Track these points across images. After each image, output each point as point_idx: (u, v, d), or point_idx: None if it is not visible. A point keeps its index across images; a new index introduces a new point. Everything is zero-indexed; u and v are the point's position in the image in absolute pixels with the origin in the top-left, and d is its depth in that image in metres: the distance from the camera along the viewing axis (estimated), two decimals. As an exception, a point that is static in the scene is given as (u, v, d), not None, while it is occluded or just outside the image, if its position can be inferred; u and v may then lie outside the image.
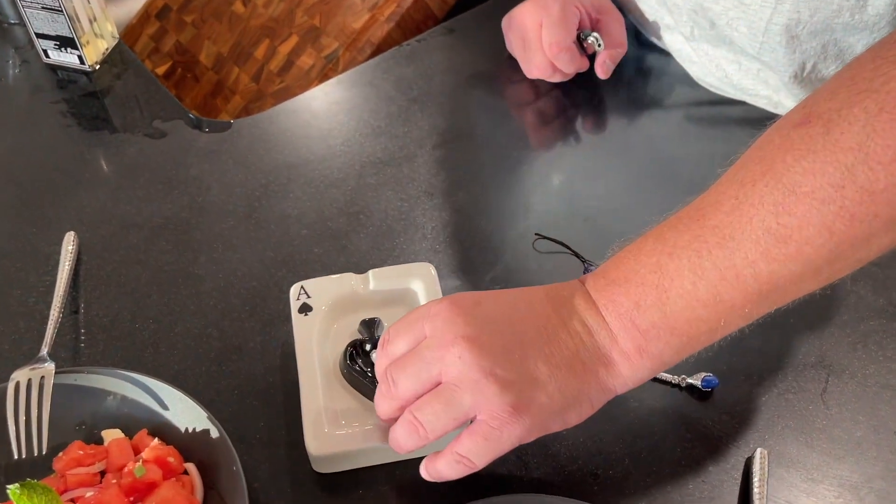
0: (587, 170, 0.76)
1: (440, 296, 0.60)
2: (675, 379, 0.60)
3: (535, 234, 0.69)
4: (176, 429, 0.54)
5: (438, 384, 0.48)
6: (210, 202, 0.72)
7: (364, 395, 0.57)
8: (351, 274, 0.61)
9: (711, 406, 0.59)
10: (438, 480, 0.50)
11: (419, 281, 0.61)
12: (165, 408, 0.55)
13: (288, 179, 0.74)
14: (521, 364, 0.47)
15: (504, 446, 0.47)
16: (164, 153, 0.76)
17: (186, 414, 0.54)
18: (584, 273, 0.65)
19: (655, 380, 0.60)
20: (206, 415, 0.53)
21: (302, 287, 0.60)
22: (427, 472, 0.50)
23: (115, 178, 0.74)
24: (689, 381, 0.59)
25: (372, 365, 0.56)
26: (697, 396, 0.59)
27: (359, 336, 0.60)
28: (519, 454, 0.56)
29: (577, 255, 0.68)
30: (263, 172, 0.74)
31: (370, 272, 0.61)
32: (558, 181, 0.76)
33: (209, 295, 0.65)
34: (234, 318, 0.64)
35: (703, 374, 0.59)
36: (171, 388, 0.55)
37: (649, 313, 0.47)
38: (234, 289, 0.65)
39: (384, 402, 0.50)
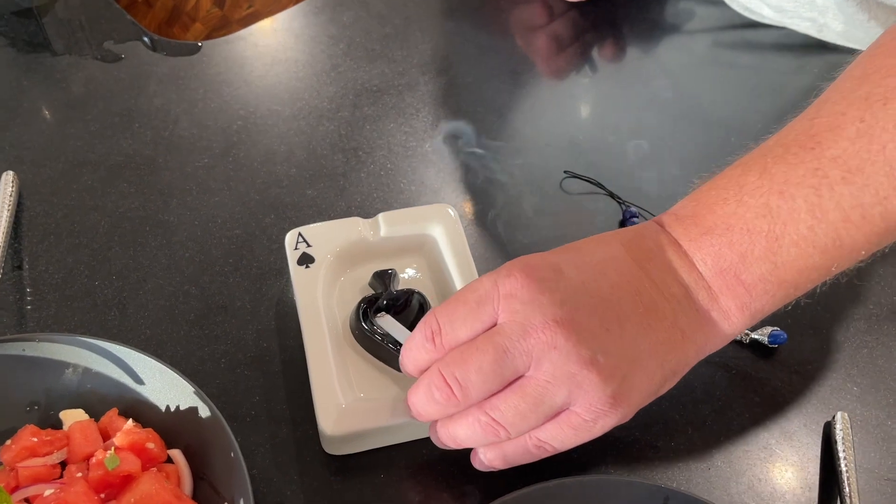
0: (607, 101, 0.67)
1: (465, 242, 0.50)
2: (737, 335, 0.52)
3: (565, 171, 0.60)
4: (154, 407, 0.44)
5: (520, 377, 0.38)
6: (179, 137, 0.60)
7: (382, 359, 0.47)
8: (357, 218, 0.51)
9: (779, 364, 0.51)
10: (501, 468, 0.41)
11: (438, 225, 0.51)
12: (140, 381, 0.45)
13: (270, 111, 0.63)
14: (620, 344, 0.38)
15: (593, 436, 0.39)
16: (119, 80, 0.64)
17: (167, 389, 0.44)
18: (626, 217, 0.56)
19: (715, 336, 0.52)
20: (192, 389, 0.43)
21: (300, 234, 0.50)
22: (489, 459, 0.41)
23: (60, 109, 0.62)
24: (754, 336, 0.52)
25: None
26: (761, 353, 0.52)
27: (372, 291, 0.50)
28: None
29: (613, 195, 0.59)
30: (241, 102, 0.63)
31: (380, 216, 0.51)
32: (577, 113, 0.67)
33: (184, 246, 0.54)
34: (216, 272, 0.53)
35: (769, 329, 0.51)
36: (146, 356, 0.44)
37: (757, 266, 0.39)
38: (213, 238, 0.55)
39: (434, 406, 0.39)
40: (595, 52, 0.71)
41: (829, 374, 0.51)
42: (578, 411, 0.38)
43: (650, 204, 0.58)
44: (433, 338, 0.40)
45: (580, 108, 0.67)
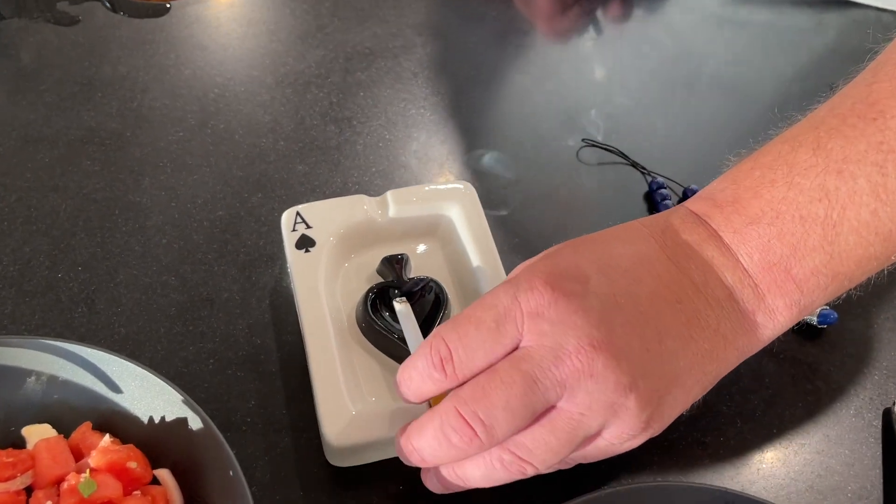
0: (616, 64, 0.62)
1: (485, 224, 0.45)
2: None
3: (583, 140, 0.54)
4: (135, 420, 0.38)
5: (549, 408, 0.32)
6: (149, 108, 0.54)
7: (394, 357, 0.42)
8: (363, 196, 0.45)
9: (829, 347, 0.47)
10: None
11: (455, 205, 0.45)
12: (117, 390, 0.38)
13: (250, 77, 0.56)
14: (660, 363, 0.33)
15: (615, 454, 0.35)
16: (77, 46, 0.57)
17: (150, 397, 0.38)
18: (653, 188, 0.51)
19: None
20: (180, 397, 0.37)
21: (298, 213, 0.44)
22: (464, 479, 0.35)
23: (10, 80, 0.55)
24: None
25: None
26: (808, 335, 0.47)
27: (380, 279, 0.44)
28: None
29: (636, 165, 0.54)
30: (218, 68, 0.56)
31: (388, 194, 0.45)
32: (587, 77, 0.61)
33: (159, 231, 0.48)
34: (199, 260, 0.47)
35: (817, 308, 0.47)
36: (122, 359, 0.38)
37: (811, 258, 0.34)
38: (193, 221, 0.48)
39: (450, 450, 0.33)
40: (599, 12, 0.66)
41: (881, 356, 0.47)
42: (608, 437, 0.33)
43: (675, 172, 0.53)
44: (442, 365, 0.33)
45: (589, 72, 0.61)
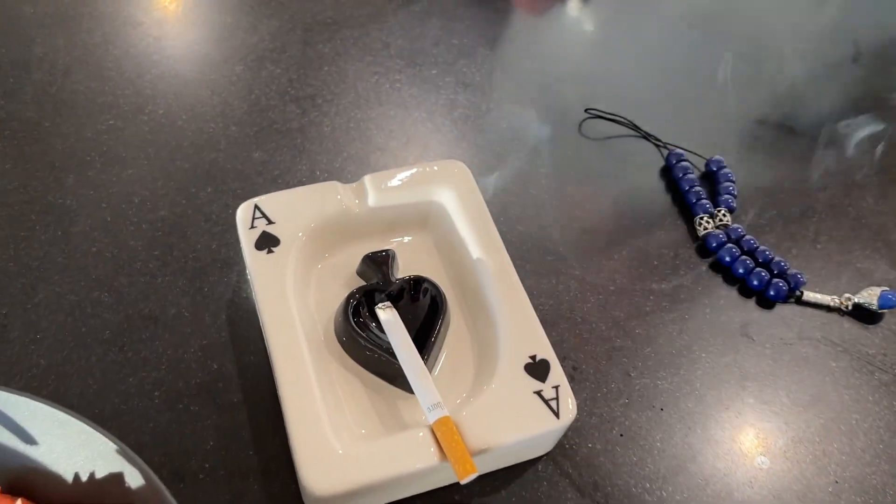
0: (613, 27, 0.55)
1: (485, 209, 0.37)
2: (834, 300, 0.40)
3: (586, 110, 0.47)
4: (56, 478, 0.29)
5: None
6: (72, 93, 0.45)
7: (385, 377, 0.34)
8: (336, 183, 0.37)
9: (890, 333, 0.40)
10: None
11: (447, 188, 0.38)
12: (31, 441, 0.30)
13: (193, 54, 0.48)
14: None
15: None
16: (-17, 24, 0.48)
17: (75, 448, 0.29)
18: (671, 162, 0.44)
19: (808, 304, 0.40)
20: (113, 446, 0.28)
21: (257, 207, 0.36)
22: None
23: None
24: (857, 300, 0.40)
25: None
26: (864, 320, 0.40)
27: (362, 281, 0.36)
28: (649, 447, 0.35)
29: (648, 136, 0.46)
30: (153, 45, 0.48)
31: (366, 179, 0.37)
32: (583, 41, 0.54)
33: (88, 237, 0.39)
34: (137, 270, 0.38)
35: (874, 290, 0.40)
36: (37, 402, 0.29)
37: None
38: (129, 224, 0.40)
39: None
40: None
41: (950, 343, 0.40)
42: None
43: (693, 144, 0.46)
44: None
45: (585, 35, 0.54)
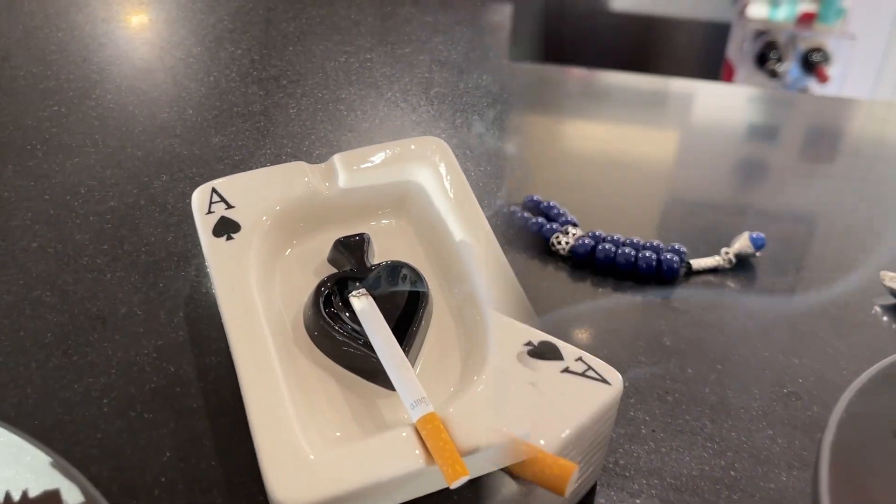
0: None
1: (467, 188, 0.34)
2: (717, 260, 0.38)
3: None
4: (-16, 499, 0.26)
5: None
6: (11, 78, 0.41)
7: (361, 372, 0.30)
8: (302, 163, 0.34)
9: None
10: None
11: (425, 167, 0.34)
12: (-45, 458, 0.26)
13: (142, 35, 0.44)
14: None
15: None
16: (-87, 8, 0.44)
17: (3, 463, 0.25)
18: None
19: (698, 272, 0.38)
20: (47, 459, 0.25)
21: (215, 190, 0.32)
22: None
23: None
24: (735, 251, 0.39)
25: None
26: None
27: (334, 269, 0.33)
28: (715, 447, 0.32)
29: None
30: (101, 28, 0.44)
31: (335, 158, 0.34)
32: None
33: (28, 231, 0.35)
34: (84, 266, 0.35)
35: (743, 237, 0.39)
36: (-38, 414, 0.25)
37: None
38: (75, 217, 0.36)
39: None
40: None
41: None
42: None
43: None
44: None
45: None
